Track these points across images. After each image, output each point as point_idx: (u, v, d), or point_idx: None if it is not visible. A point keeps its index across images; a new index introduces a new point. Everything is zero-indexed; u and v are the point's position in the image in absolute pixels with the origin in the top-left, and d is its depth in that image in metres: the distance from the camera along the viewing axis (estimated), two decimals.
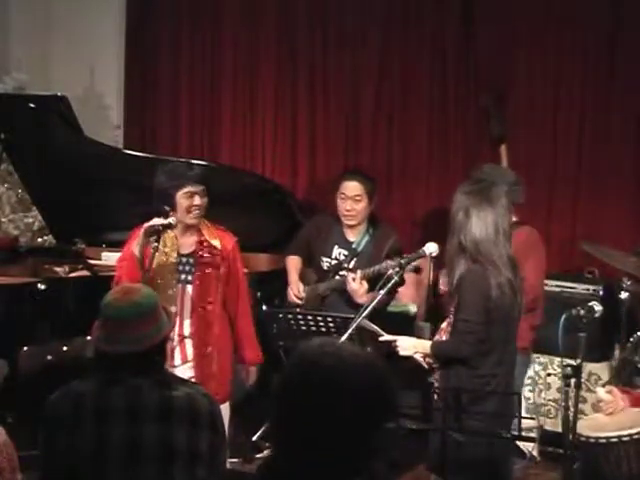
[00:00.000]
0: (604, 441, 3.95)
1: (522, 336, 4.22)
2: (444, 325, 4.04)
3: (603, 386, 4.61)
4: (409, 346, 4.03)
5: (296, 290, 5.17)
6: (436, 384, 3.93)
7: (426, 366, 4.02)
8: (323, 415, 1.84)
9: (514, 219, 4.55)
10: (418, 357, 4.01)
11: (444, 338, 3.98)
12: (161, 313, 3.00)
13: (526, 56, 6.10)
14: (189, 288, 4.46)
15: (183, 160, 5.17)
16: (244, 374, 4.65)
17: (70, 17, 7.34)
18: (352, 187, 5.04)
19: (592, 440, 3.98)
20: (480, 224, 3.81)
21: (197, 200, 4.37)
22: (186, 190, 4.36)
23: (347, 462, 1.87)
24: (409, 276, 4.97)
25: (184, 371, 4.38)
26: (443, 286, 4.36)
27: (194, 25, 7.14)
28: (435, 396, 3.85)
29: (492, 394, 3.81)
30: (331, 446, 1.85)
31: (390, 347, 4.08)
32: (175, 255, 4.43)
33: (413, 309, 6.06)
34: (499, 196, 3.89)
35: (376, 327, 4.12)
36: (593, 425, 4.11)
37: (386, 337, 4.08)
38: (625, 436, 3.95)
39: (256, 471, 1.97)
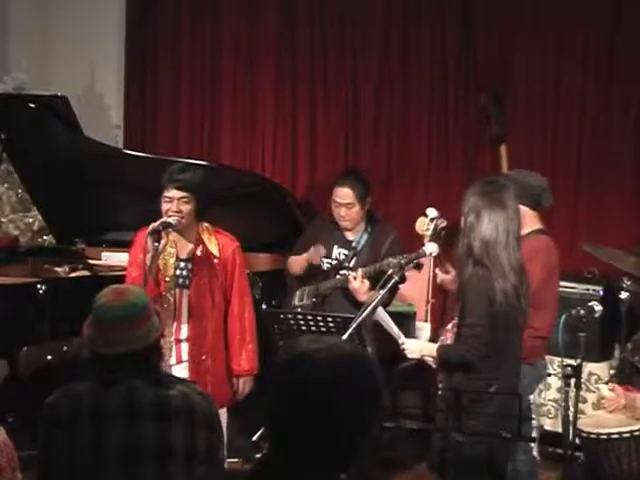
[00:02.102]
0: (605, 437, 3.96)
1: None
2: (449, 326, 4.02)
3: (606, 383, 4.61)
4: (416, 349, 4.01)
5: (313, 254, 5.11)
6: (440, 385, 3.92)
7: (435, 367, 4.00)
8: (313, 410, 1.85)
9: (539, 226, 4.53)
10: (428, 359, 4.00)
11: (449, 339, 3.97)
12: (153, 312, 3.01)
13: (526, 56, 6.11)
14: (186, 293, 4.45)
15: (185, 161, 5.16)
16: (235, 384, 4.56)
17: (70, 17, 7.34)
18: (343, 194, 5.03)
19: (593, 436, 3.99)
20: (491, 226, 3.77)
21: (174, 206, 4.32)
22: (165, 194, 4.35)
23: (336, 457, 1.89)
24: (410, 275, 4.96)
25: (179, 371, 4.38)
26: (440, 280, 4.31)
27: (194, 25, 7.14)
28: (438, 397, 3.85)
29: (493, 395, 3.80)
30: (321, 441, 1.86)
31: (398, 348, 4.07)
32: (173, 259, 4.42)
33: (413, 309, 6.06)
34: (510, 199, 3.86)
35: (395, 327, 4.09)
36: (594, 422, 4.11)
37: (402, 339, 4.05)
38: (626, 432, 3.95)
39: (252, 468, 1.98)
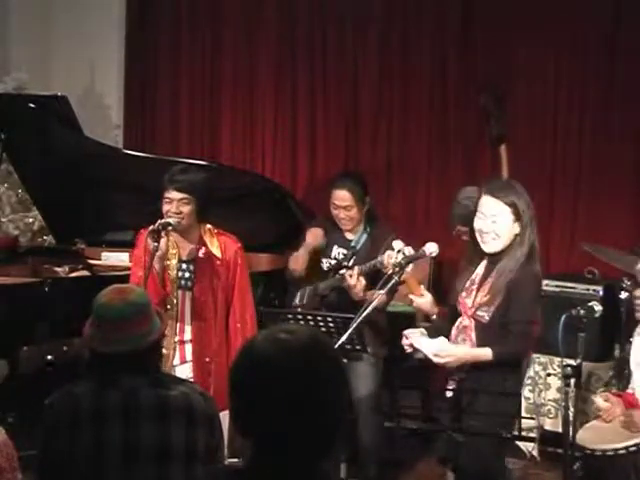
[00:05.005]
0: (612, 453, 3.94)
1: None
2: (466, 323, 4.00)
3: (605, 388, 4.60)
4: (459, 358, 3.90)
5: (293, 260, 5.13)
6: (452, 385, 3.92)
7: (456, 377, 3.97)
8: (284, 410, 1.86)
9: None
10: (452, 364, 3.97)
11: (473, 336, 3.96)
12: (154, 312, 3.02)
13: (526, 56, 6.10)
14: (189, 295, 4.45)
15: (187, 162, 5.17)
16: None
17: (70, 17, 7.34)
18: (341, 197, 5.04)
19: (599, 453, 3.97)
20: (535, 230, 3.96)
21: (173, 207, 4.33)
22: (165, 195, 4.36)
23: (319, 445, 1.90)
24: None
25: (183, 371, 4.38)
26: (416, 304, 4.28)
27: (194, 25, 7.14)
28: (449, 394, 3.87)
29: (491, 394, 3.81)
30: (298, 434, 1.87)
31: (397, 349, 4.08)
32: (175, 261, 4.42)
33: (413, 309, 6.04)
34: None
35: (427, 350, 4.02)
36: (595, 436, 4.09)
37: (436, 357, 3.92)
38: (632, 446, 3.94)
39: (238, 470, 2.00)
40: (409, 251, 4.07)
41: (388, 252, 4.12)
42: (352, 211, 5.04)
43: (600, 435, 4.08)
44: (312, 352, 1.91)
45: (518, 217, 3.92)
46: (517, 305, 3.88)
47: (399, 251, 4.08)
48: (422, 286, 4.18)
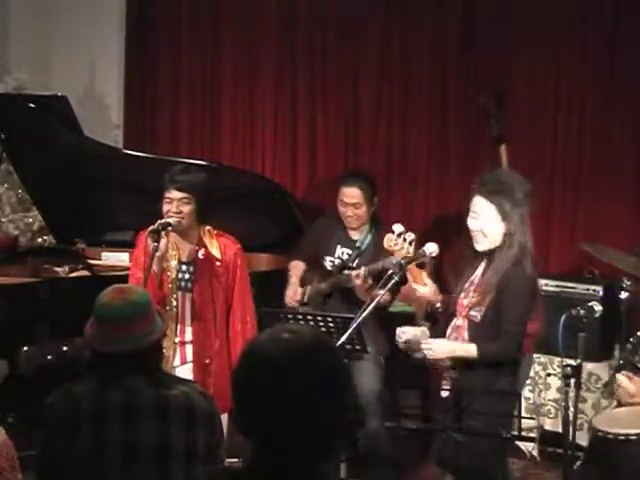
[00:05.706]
0: (623, 438, 3.94)
1: None
2: (459, 322, 4.01)
3: (602, 390, 4.60)
4: (445, 352, 3.96)
5: (292, 293, 5.16)
6: (447, 386, 3.93)
7: (450, 376, 3.99)
8: (274, 404, 1.86)
9: None
10: (447, 364, 3.99)
11: (465, 335, 3.98)
12: (155, 312, 3.02)
13: (526, 56, 6.10)
14: (189, 296, 4.44)
15: (187, 162, 5.17)
16: None
17: (70, 17, 7.34)
18: (351, 194, 5.04)
19: (610, 436, 3.97)
20: (527, 228, 3.96)
21: (174, 207, 4.33)
22: (166, 195, 4.36)
23: (320, 446, 1.90)
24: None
25: (183, 372, 4.37)
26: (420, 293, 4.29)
27: (194, 25, 7.13)
28: (444, 394, 3.87)
29: (491, 393, 3.82)
30: (302, 434, 1.87)
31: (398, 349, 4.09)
32: (175, 262, 4.42)
33: (412, 309, 6.05)
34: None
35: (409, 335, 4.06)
36: (610, 420, 4.09)
37: (424, 347, 4.00)
38: None
39: (238, 469, 2.01)
40: (409, 235, 4.06)
41: (388, 235, 4.11)
42: (361, 209, 5.04)
43: (615, 419, 4.08)
44: (315, 352, 1.91)
45: (504, 216, 3.93)
46: (507, 305, 3.89)
47: (399, 235, 4.07)
48: (424, 274, 4.16)
